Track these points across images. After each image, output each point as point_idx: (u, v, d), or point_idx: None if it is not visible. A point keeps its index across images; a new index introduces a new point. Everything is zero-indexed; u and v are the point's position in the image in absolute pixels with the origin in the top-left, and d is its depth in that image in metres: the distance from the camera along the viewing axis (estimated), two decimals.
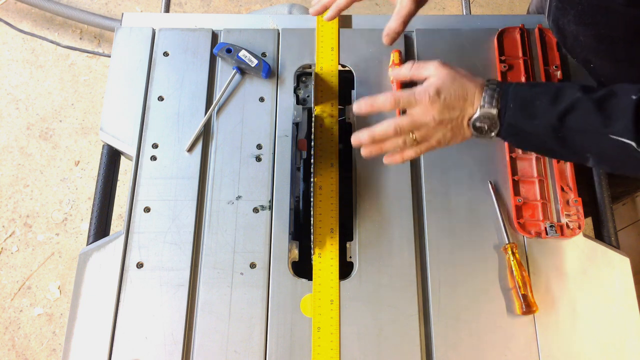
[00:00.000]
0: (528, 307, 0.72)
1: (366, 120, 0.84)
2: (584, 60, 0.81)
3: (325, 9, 0.77)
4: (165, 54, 0.89)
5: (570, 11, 0.74)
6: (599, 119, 0.57)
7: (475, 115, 0.63)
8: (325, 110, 0.84)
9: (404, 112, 0.66)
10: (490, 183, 0.80)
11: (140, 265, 0.76)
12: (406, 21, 0.73)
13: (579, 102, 0.58)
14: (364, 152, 0.69)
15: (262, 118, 0.85)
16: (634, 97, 0.56)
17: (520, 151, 0.82)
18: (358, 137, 0.67)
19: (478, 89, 0.63)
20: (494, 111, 0.62)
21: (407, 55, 0.89)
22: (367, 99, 0.67)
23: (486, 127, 0.63)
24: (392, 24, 0.73)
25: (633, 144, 0.55)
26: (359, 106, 0.67)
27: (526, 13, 1.09)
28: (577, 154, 0.62)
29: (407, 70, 0.68)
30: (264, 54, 0.89)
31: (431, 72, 0.65)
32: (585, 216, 0.80)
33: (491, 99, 0.62)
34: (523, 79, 0.85)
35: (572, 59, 0.87)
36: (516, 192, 0.79)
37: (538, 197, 0.79)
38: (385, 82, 0.87)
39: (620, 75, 0.77)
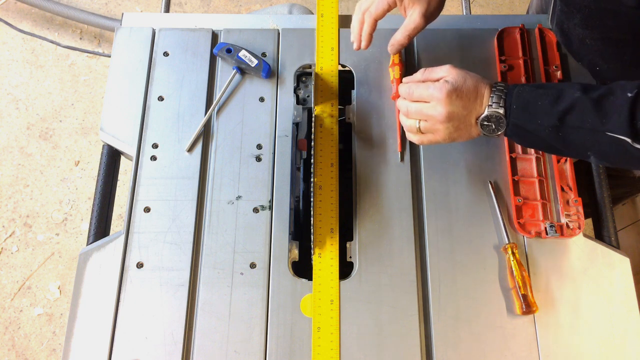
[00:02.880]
0: (528, 307, 0.72)
1: (366, 121, 0.84)
2: (590, 63, 0.81)
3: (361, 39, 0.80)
4: (165, 54, 0.89)
5: (576, 15, 0.75)
6: (597, 117, 0.60)
7: (484, 114, 0.67)
8: (325, 110, 0.84)
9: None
10: (490, 183, 0.80)
11: (140, 265, 0.76)
12: (412, 35, 0.76)
13: (578, 101, 0.61)
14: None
15: (262, 118, 0.85)
16: (629, 94, 0.58)
17: (520, 151, 0.82)
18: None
19: (487, 89, 0.67)
20: (501, 111, 0.66)
21: (407, 55, 0.89)
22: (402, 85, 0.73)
23: (493, 126, 0.67)
24: (398, 36, 0.77)
25: (629, 140, 0.58)
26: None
27: (526, 13, 1.08)
28: (579, 151, 0.65)
29: (420, 76, 0.72)
30: (264, 54, 0.89)
31: (444, 74, 0.69)
32: (585, 217, 0.80)
33: (499, 99, 0.66)
34: (523, 79, 0.85)
35: (572, 60, 0.87)
36: (516, 192, 0.79)
37: (538, 197, 0.79)
38: (385, 82, 0.87)
39: (628, 77, 0.77)
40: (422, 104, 0.69)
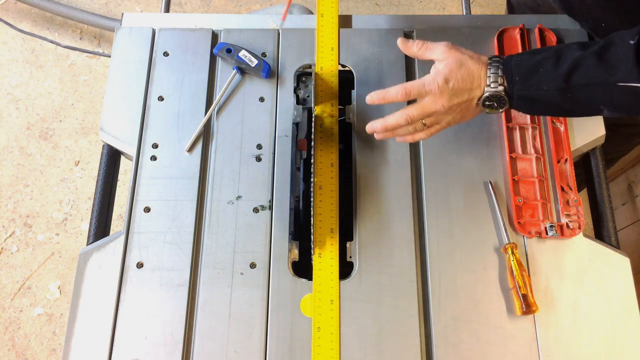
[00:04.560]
0: (528, 307, 0.72)
1: (366, 121, 0.84)
2: (593, 20, 0.81)
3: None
4: (165, 54, 0.89)
5: None
6: (603, 70, 0.60)
7: (485, 95, 0.67)
8: (325, 110, 0.84)
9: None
10: (490, 183, 0.80)
11: (140, 265, 0.76)
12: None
13: (581, 59, 0.61)
14: (377, 137, 0.75)
15: (262, 118, 0.85)
16: (631, 42, 0.58)
17: (520, 151, 0.82)
18: (372, 127, 0.72)
19: (483, 69, 0.66)
20: (501, 88, 0.65)
21: (407, 56, 0.88)
22: (379, 92, 0.70)
23: (496, 105, 0.67)
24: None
25: None
26: (371, 97, 0.70)
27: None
28: (590, 108, 0.65)
29: (416, 49, 0.71)
30: (264, 54, 0.89)
31: (438, 56, 0.68)
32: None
33: (496, 77, 0.65)
34: None
35: None
36: (516, 192, 0.79)
37: (538, 197, 0.79)
38: (386, 82, 0.87)
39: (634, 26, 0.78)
40: (420, 103, 0.68)
